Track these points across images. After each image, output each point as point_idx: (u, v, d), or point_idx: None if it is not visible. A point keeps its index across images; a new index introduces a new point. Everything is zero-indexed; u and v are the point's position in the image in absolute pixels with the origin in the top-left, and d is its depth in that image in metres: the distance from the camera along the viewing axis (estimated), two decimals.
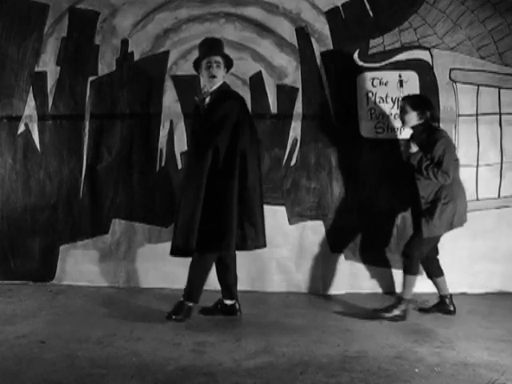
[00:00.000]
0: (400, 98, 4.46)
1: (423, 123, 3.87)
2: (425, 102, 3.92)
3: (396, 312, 3.81)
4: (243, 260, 4.47)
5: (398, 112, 4.04)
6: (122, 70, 4.54)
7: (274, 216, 4.50)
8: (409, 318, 3.83)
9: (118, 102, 4.53)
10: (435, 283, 4.01)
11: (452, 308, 3.98)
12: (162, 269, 4.49)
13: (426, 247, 3.85)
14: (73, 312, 3.90)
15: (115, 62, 4.54)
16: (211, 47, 3.79)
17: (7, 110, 4.60)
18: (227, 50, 4.46)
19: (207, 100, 3.75)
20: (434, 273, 4.00)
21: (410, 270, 3.83)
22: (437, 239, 3.92)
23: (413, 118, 3.87)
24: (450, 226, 3.85)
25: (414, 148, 3.82)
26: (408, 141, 3.94)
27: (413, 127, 3.93)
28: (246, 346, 3.27)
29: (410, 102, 3.89)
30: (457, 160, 3.92)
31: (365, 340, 3.40)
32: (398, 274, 4.48)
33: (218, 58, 3.75)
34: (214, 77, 3.72)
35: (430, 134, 3.83)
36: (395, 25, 4.44)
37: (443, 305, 4.00)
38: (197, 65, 3.82)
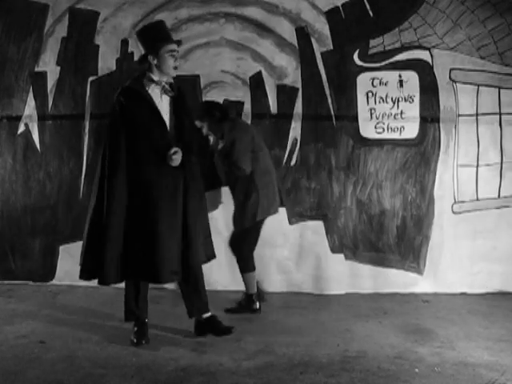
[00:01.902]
0: (399, 98, 4.47)
1: (220, 122, 3.85)
2: (205, 109, 3.91)
3: (252, 307, 3.91)
4: None
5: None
6: (121, 70, 4.53)
7: (274, 216, 4.50)
8: (408, 319, 3.83)
9: None
10: (242, 279, 3.98)
11: (257, 306, 3.93)
12: None
13: (244, 241, 3.90)
14: (73, 312, 3.90)
15: (115, 62, 4.54)
16: (168, 33, 3.29)
17: (7, 110, 4.60)
18: (227, 50, 4.49)
19: (169, 94, 3.28)
20: (245, 268, 3.96)
21: (245, 269, 3.92)
22: (253, 232, 3.91)
23: (212, 127, 3.85)
24: (254, 218, 3.84)
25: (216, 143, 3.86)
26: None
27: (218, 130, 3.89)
28: (246, 346, 3.27)
29: (199, 119, 3.84)
30: (257, 151, 3.87)
31: (365, 340, 3.40)
32: (398, 274, 4.49)
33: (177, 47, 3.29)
34: (176, 68, 3.25)
35: (227, 128, 3.87)
36: (395, 25, 4.44)
37: (249, 303, 3.94)
38: (153, 51, 3.19)
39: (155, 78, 3.22)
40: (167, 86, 3.25)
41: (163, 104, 3.23)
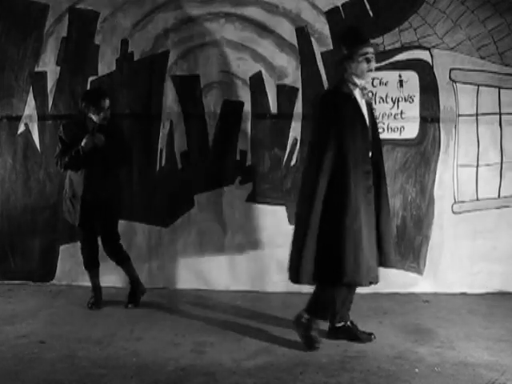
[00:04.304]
0: (399, 98, 4.47)
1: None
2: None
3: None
4: (243, 260, 4.48)
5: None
6: (122, 70, 4.53)
7: (274, 216, 4.50)
8: (408, 319, 3.83)
9: (118, 102, 4.52)
10: (125, 268, 4.11)
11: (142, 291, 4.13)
12: (162, 269, 4.49)
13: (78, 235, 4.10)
14: (73, 312, 3.90)
15: (115, 62, 4.53)
16: (364, 36, 3.30)
17: (7, 110, 4.59)
18: (227, 50, 4.48)
19: (368, 98, 3.35)
20: (122, 258, 4.09)
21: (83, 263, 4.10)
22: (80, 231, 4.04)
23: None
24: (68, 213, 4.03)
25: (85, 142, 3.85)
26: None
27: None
28: (246, 346, 3.28)
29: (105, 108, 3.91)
30: None
31: None
32: (398, 274, 4.48)
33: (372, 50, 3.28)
34: (371, 71, 3.26)
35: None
36: (395, 25, 4.44)
37: (138, 286, 4.12)
38: (348, 55, 3.22)
39: (358, 81, 3.24)
40: (367, 91, 3.32)
41: (363, 108, 3.27)
